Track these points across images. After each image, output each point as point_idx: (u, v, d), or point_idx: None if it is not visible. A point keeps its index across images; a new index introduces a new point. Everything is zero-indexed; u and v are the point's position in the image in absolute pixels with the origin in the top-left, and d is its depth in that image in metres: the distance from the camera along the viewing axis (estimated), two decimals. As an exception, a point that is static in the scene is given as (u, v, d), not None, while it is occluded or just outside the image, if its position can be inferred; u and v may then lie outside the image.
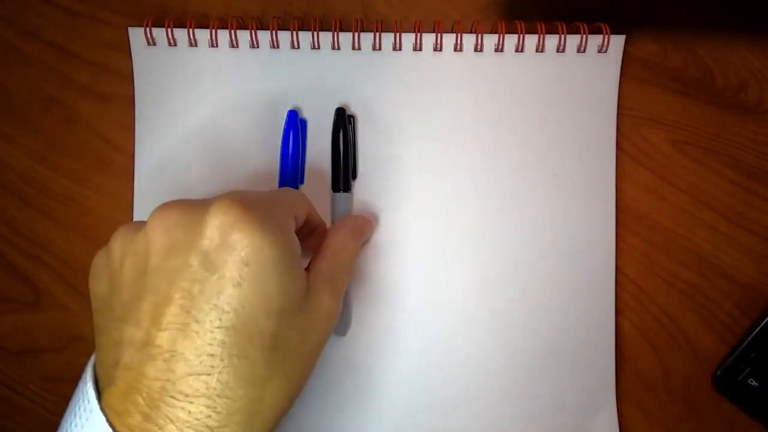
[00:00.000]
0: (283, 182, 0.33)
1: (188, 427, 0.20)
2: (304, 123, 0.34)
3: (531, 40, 0.34)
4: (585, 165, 0.34)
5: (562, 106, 0.34)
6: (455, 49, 0.34)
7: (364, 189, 0.34)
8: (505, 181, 0.34)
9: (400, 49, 0.34)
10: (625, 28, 0.34)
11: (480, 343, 0.33)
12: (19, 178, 0.36)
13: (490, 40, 0.34)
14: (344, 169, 0.33)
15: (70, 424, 0.22)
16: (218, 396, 0.21)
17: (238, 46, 0.34)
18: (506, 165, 0.34)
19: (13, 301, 0.35)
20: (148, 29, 0.34)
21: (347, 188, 0.33)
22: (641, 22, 0.35)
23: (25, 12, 0.36)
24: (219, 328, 0.21)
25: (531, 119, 0.34)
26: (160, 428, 0.20)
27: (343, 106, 0.33)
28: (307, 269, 0.27)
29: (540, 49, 0.34)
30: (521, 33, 0.33)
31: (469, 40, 0.34)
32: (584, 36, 0.33)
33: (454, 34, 0.34)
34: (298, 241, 0.25)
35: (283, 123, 0.33)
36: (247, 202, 0.23)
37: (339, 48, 0.34)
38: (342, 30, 0.34)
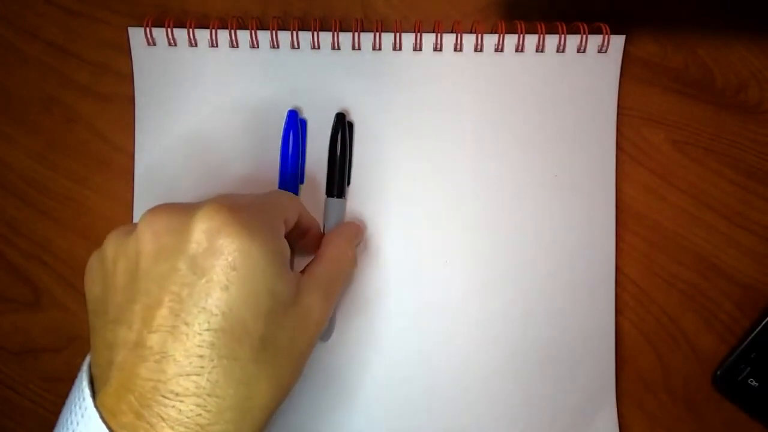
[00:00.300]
0: (283, 182, 0.33)
1: (179, 425, 0.21)
2: (304, 123, 0.34)
3: (531, 40, 0.34)
4: (585, 165, 0.34)
5: (562, 106, 0.34)
6: (455, 49, 0.34)
7: (362, 189, 0.34)
8: (506, 181, 0.34)
9: (400, 49, 0.34)
10: (625, 28, 0.34)
11: (480, 343, 0.33)
12: (19, 178, 0.36)
13: (490, 40, 0.34)
14: (339, 175, 0.33)
15: (67, 421, 0.22)
16: (208, 395, 0.21)
17: (238, 46, 0.34)
18: (506, 165, 0.34)
19: (13, 301, 0.35)
20: (148, 29, 0.34)
21: (341, 194, 0.33)
22: (641, 22, 0.35)
23: (25, 12, 0.36)
24: (208, 330, 0.21)
25: (531, 119, 0.34)
26: (152, 426, 0.21)
27: (343, 111, 0.33)
28: (302, 272, 0.27)
29: (540, 49, 0.34)
30: (521, 33, 0.33)
31: (469, 40, 0.34)
32: (584, 36, 0.33)
33: (454, 34, 0.34)
34: (287, 244, 0.25)
35: (283, 123, 0.33)
36: (234, 207, 0.23)
37: (339, 48, 0.34)
38: (342, 30, 0.34)
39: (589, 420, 0.33)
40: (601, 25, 0.33)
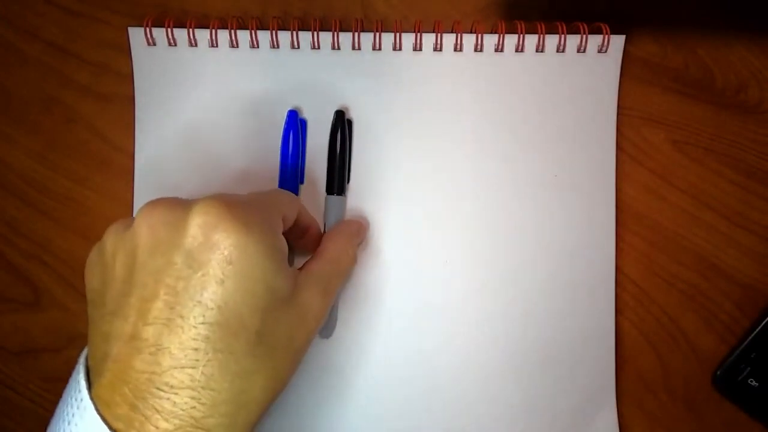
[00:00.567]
0: (283, 182, 0.33)
1: (174, 417, 0.21)
2: (304, 123, 0.34)
3: (531, 40, 0.34)
4: (585, 165, 0.34)
5: (562, 106, 0.34)
6: (455, 49, 0.34)
7: (361, 189, 0.34)
8: (506, 181, 0.34)
9: (400, 49, 0.34)
10: (625, 28, 0.34)
11: (480, 343, 0.33)
12: (19, 178, 0.36)
13: (490, 40, 0.34)
14: (339, 172, 0.33)
15: (63, 413, 0.22)
16: (203, 388, 0.21)
17: (238, 46, 0.34)
18: (506, 165, 0.34)
19: (13, 301, 0.35)
20: (148, 29, 0.34)
21: (341, 191, 0.33)
22: (641, 22, 0.35)
23: (25, 12, 0.36)
24: (203, 323, 0.22)
25: (531, 119, 0.34)
26: (146, 418, 0.21)
27: (343, 109, 0.33)
28: (300, 269, 0.27)
29: (540, 49, 0.34)
30: (521, 33, 0.33)
31: (469, 40, 0.34)
32: (584, 36, 0.33)
33: (454, 34, 0.34)
34: (284, 241, 0.25)
35: (283, 123, 0.33)
36: (231, 202, 0.23)
37: (339, 48, 0.34)
38: (342, 30, 0.34)
39: (589, 420, 0.33)
40: (601, 25, 0.33)
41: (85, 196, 0.35)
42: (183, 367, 0.21)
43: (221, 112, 0.34)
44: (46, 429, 0.24)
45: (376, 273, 0.33)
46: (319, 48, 0.34)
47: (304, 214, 0.29)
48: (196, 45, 0.34)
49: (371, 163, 0.34)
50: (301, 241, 0.31)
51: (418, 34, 0.33)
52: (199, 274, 0.22)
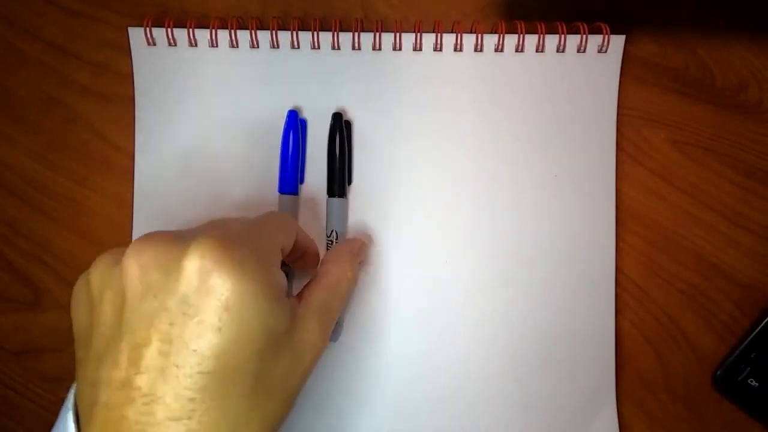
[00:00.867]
0: (283, 182, 0.33)
1: None
2: (304, 123, 0.34)
3: (531, 40, 0.34)
4: (585, 165, 0.34)
5: (562, 106, 0.34)
6: (455, 49, 0.34)
7: (361, 191, 0.34)
8: (506, 181, 0.34)
9: (400, 49, 0.34)
10: (625, 28, 0.34)
11: (480, 343, 0.33)
12: (19, 178, 0.36)
13: (490, 40, 0.34)
14: (340, 175, 0.33)
15: None
16: None
17: (238, 46, 0.34)
18: (506, 165, 0.34)
19: (13, 301, 0.35)
20: (148, 29, 0.34)
21: (342, 193, 0.33)
22: (641, 22, 0.35)
23: (25, 12, 0.36)
24: (199, 373, 0.21)
25: (531, 119, 0.34)
26: None
27: (340, 111, 0.33)
28: (298, 296, 0.26)
29: (540, 49, 0.34)
30: (521, 33, 0.33)
31: (469, 40, 0.34)
32: (584, 36, 0.33)
33: (454, 34, 0.34)
34: (283, 275, 0.24)
35: (283, 123, 0.33)
36: (227, 242, 0.22)
37: (339, 48, 0.34)
38: (342, 30, 0.34)
39: (589, 420, 0.33)
40: (601, 25, 0.33)
41: (85, 196, 0.35)
42: (179, 419, 0.20)
43: (221, 112, 0.34)
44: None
45: (376, 273, 0.33)
46: (319, 48, 0.34)
47: (301, 238, 0.28)
48: (196, 45, 0.34)
49: (371, 163, 0.34)
50: (299, 263, 0.30)
51: (418, 34, 0.33)
52: (195, 320, 0.21)
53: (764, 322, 0.33)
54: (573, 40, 0.33)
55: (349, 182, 0.34)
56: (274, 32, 0.34)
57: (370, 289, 0.33)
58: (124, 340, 0.21)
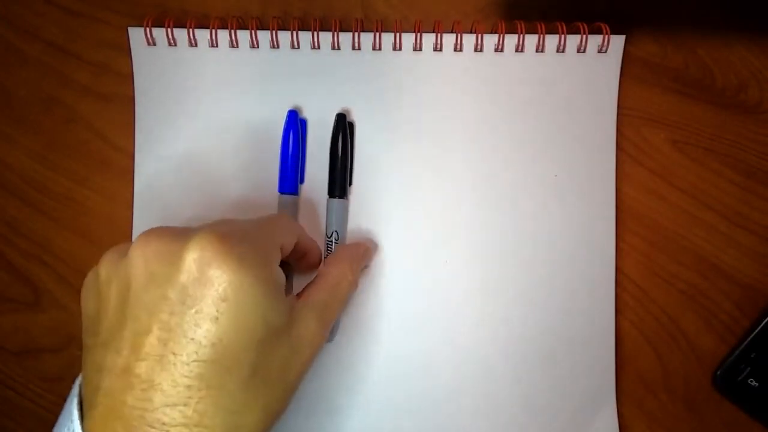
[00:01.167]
0: (283, 182, 0.33)
1: None
2: (304, 123, 0.34)
3: (531, 40, 0.34)
4: (585, 165, 0.34)
5: (563, 106, 0.34)
6: (455, 49, 0.34)
7: (361, 191, 0.34)
8: (505, 181, 0.34)
9: (400, 49, 0.34)
10: (625, 28, 0.34)
11: (480, 343, 0.33)
12: (19, 178, 0.36)
13: (490, 40, 0.34)
14: (341, 176, 0.33)
15: None
16: (195, 425, 0.21)
17: (238, 46, 0.34)
18: (506, 165, 0.34)
19: (13, 301, 0.35)
20: (148, 29, 0.34)
21: (343, 194, 0.33)
22: (641, 22, 0.35)
23: (25, 12, 0.36)
24: (196, 361, 0.21)
25: (531, 119, 0.34)
26: None
27: (344, 112, 0.33)
28: (298, 295, 0.27)
29: (540, 49, 0.34)
30: (521, 33, 0.33)
31: (469, 40, 0.34)
32: (584, 36, 0.33)
33: (454, 34, 0.34)
34: (282, 273, 0.25)
35: (283, 123, 0.33)
36: (228, 236, 0.23)
37: (339, 48, 0.34)
38: (342, 30, 0.34)
39: (589, 420, 0.33)
40: (601, 25, 0.33)
41: (85, 196, 0.35)
42: (175, 405, 0.21)
43: (221, 112, 0.34)
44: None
45: (376, 273, 0.33)
46: (319, 48, 0.34)
47: (303, 239, 0.29)
48: (196, 45, 0.34)
49: (371, 163, 0.34)
50: (301, 263, 0.31)
51: (418, 34, 0.33)
52: (193, 310, 0.22)
53: (764, 322, 0.33)
54: (573, 40, 0.33)
55: (350, 183, 0.34)
56: (274, 32, 0.34)
57: (370, 288, 0.33)
58: (127, 328, 0.22)
